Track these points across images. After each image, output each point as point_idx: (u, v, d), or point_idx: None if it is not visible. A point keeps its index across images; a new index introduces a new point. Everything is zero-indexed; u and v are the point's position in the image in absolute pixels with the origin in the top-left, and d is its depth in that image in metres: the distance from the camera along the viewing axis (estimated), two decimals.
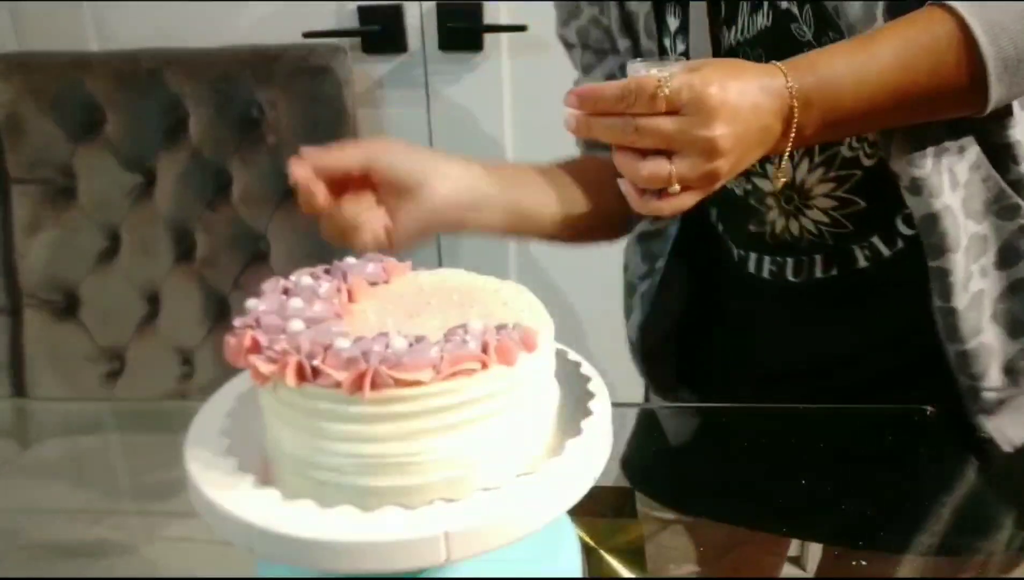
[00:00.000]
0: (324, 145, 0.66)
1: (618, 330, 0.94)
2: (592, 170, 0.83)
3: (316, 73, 1.39)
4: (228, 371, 0.51)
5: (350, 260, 0.57)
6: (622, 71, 0.68)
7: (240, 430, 0.50)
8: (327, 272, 0.54)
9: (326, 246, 0.68)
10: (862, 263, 0.76)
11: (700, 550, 0.81)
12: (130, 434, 0.96)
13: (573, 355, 0.58)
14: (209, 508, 0.45)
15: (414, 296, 0.54)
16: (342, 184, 0.66)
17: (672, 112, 0.57)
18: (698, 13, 0.76)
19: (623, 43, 0.81)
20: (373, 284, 0.55)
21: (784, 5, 0.70)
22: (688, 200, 0.60)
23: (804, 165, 0.73)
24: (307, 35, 1.45)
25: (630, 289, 0.90)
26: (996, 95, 0.62)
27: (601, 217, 0.84)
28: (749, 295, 0.84)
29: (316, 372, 0.43)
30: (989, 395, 0.70)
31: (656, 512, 0.84)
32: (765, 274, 0.81)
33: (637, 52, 0.81)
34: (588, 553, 0.59)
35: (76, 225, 1.48)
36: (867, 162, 0.72)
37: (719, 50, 0.75)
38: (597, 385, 0.54)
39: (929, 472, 0.75)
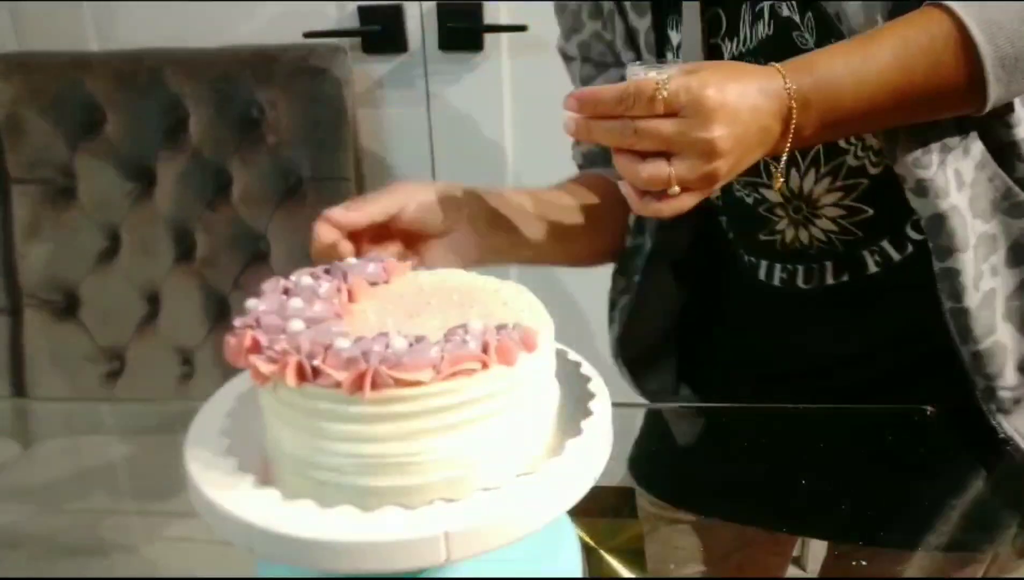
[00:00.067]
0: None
1: None
2: (598, 190, 0.84)
3: (316, 73, 1.39)
4: (228, 371, 0.51)
5: (350, 260, 0.57)
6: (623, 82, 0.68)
7: (240, 430, 0.50)
8: (327, 272, 0.54)
9: None
10: (872, 269, 0.76)
11: (705, 550, 0.81)
12: (130, 434, 0.96)
13: (573, 355, 0.58)
14: (209, 508, 0.45)
15: (414, 296, 0.54)
16: (364, 231, 0.67)
17: (671, 114, 0.57)
18: (695, 28, 0.76)
19: (627, 56, 0.81)
20: (373, 284, 0.55)
21: (785, 13, 0.70)
22: (688, 201, 0.60)
23: (811, 175, 0.73)
24: (307, 35, 1.44)
25: (612, 304, 0.90)
26: (994, 94, 0.62)
27: (611, 240, 0.85)
28: (756, 299, 0.84)
29: (316, 372, 0.43)
30: (1005, 394, 0.70)
31: (662, 512, 0.84)
32: (776, 282, 0.81)
33: None
34: (588, 553, 0.59)
35: (76, 225, 1.48)
36: (873, 170, 0.72)
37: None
38: (597, 385, 0.54)
39: (929, 472, 0.75)
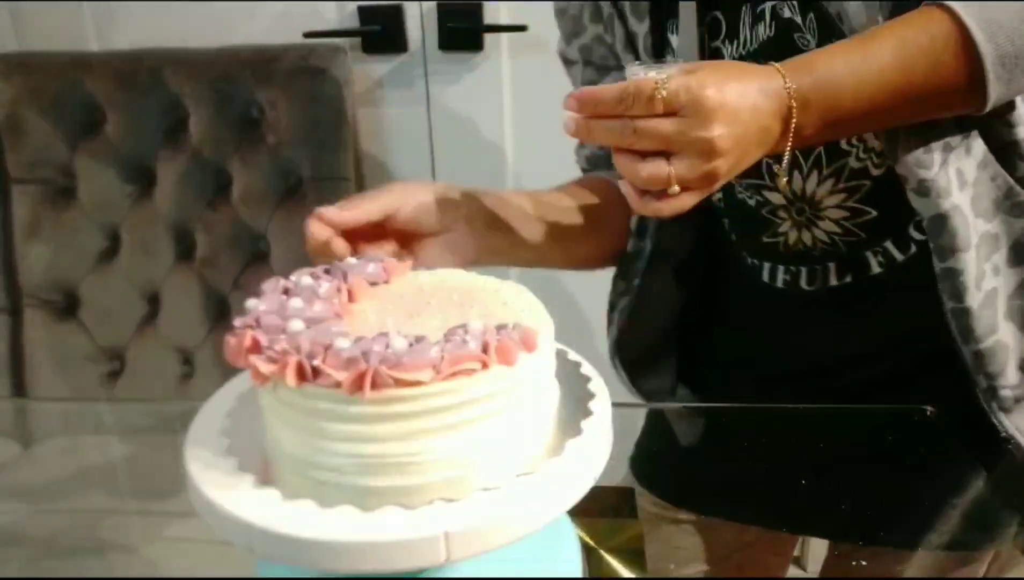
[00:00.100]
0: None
1: None
2: (600, 193, 0.84)
3: (316, 73, 1.39)
4: (228, 371, 0.51)
5: (350, 260, 0.57)
6: None
7: (240, 430, 0.50)
8: (327, 272, 0.54)
9: None
10: (876, 269, 0.76)
11: (706, 550, 0.82)
12: (130, 434, 0.96)
13: (573, 355, 0.58)
14: (209, 508, 0.45)
15: (414, 296, 0.54)
16: (359, 230, 0.67)
17: (670, 113, 0.57)
18: (691, 31, 0.76)
19: (627, 60, 0.81)
20: (373, 284, 0.55)
21: (787, 15, 0.70)
22: (688, 201, 0.60)
23: (813, 177, 0.73)
24: (307, 35, 1.44)
25: (611, 306, 0.91)
26: (995, 93, 0.62)
27: (611, 243, 0.86)
28: (758, 301, 0.84)
29: (316, 372, 0.43)
30: (1007, 393, 0.71)
31: (662, 511, 0.84)
32: (779, 283, 0.81)
33: None
34: (588, 553, 0.59)
35: (76, 225, 1.48)
36: (876, 172, 0.72)
37: None
38: (597, 385, 0.54)
39: (930, 472, 0.75)
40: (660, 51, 0.78)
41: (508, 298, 0.52)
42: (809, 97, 0.60)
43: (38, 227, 1.48)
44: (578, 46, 0.86)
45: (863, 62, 0.61)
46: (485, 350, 0.44)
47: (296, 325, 0.46)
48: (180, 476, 0.48)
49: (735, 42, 0.74)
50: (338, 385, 0.43)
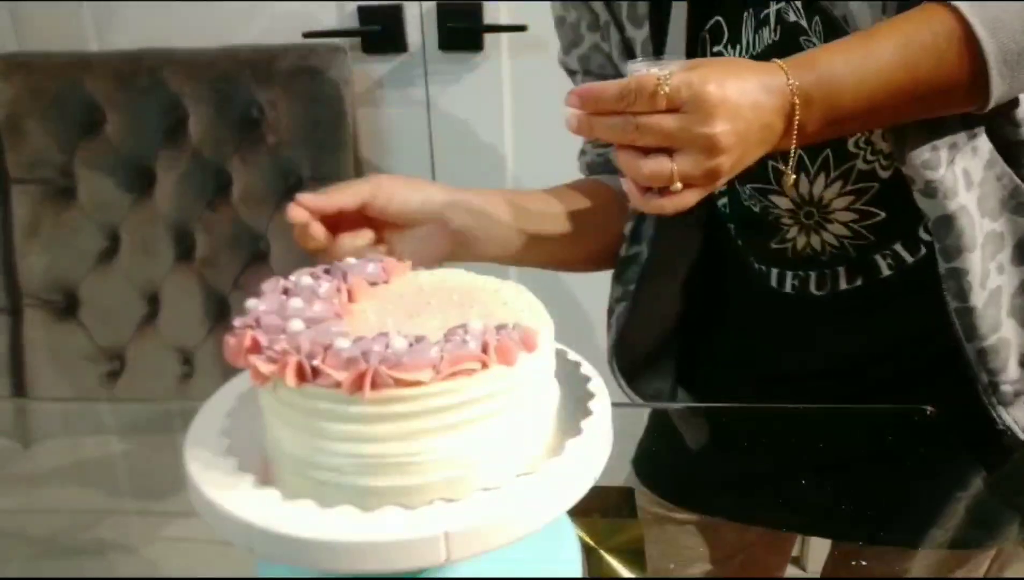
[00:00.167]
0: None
1: None
2: (596, 197, 0.84)
3: (316, 73, 1.39)
4: (228, 371, 0.51)
5: (350, 260, 0.57)
6: None
7: (240, 430, 0.50)
8: (327, 272, 0.54)
9: None
10: (886, 272, 0.76)
11: (706, 550, 0.82)
12: (130, 434, 0.96)
13: (573, 355, 0.58)
14: (209, 508, 0.45)
15: (414, 296, 0.54)
16: (341, 220, 0.68)
17: (672, 110, 0.57)
18: (680, 36, 0.76)
19: (625, 68, 0.81)
20: (373, 284, 0.55)
21: (792, 18, 0.70)
22: (690, 198, 0.60)
23: (821, 180, 0.73)
24: (307, 35, 1.44)
25: (610, 311, 0.91)
26: (997, 91, 0.62)
27: (601, 248, 0.85)
28: (765, 305, 0.84)
29: (316, 372, 0.43)
30: (1007, 388, 0.71)
31: (663, 511, 0.84)
32: (787, 289, 0.81)
33: None
34: (588, 553, 0.59)
35: (76, 225, 1.48)
36: (884, 174, 0.72)
37: None
38: (597, 385, 0.54)
39: (930, 471, 0.76)
40: (657, 57, 0.78)
41: (508, 298, 0.52)
42: (812, 94, 0.60)
43: (38, 227, 1.48)
44: (577, 56, 0.86)
45: (866, 59, 0.61)
46: (485, 350, 0.44)
47: (296, 325, 0.46)
48: (180, 476, 0.48)
49: (738, 46, 0.74)
50: (338, 385, 0.43)
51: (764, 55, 0.72)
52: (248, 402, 0.52)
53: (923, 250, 0.74)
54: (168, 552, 0.72)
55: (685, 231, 0.85)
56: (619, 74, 0.83)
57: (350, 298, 0.52)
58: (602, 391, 0.54)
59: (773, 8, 0.71)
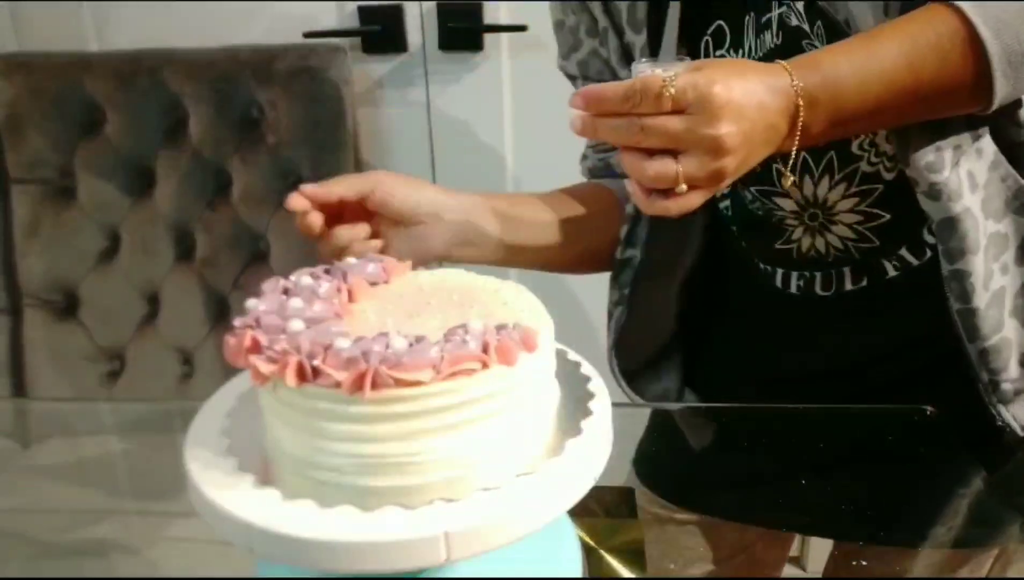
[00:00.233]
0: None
1: None
2: (594, 201, 0.84)
3: (316, 73, 1.39)
4: (228, 371, 0.51)
5: (350, 260, 0.57)
6: None
7: (240, 430, 0.50)
8: (327, 272, 0.54)
9: None
10: (891, 273, 0.76)
11: (706, 550, 0.82)
12: (130, 434, 0.96)
13: (573, 355, 0.58)
14: (209, 508, 0.45)
15: (414, 296, 0.54)
16: (340, 211, 0.71)
17: (677, 111, 0.57)
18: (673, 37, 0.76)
19: (623, 74, 0.81)
20: (373, 284, 0.55)
21: (794, 23, 0.70)
22: (695, 199, 0.60)
23: (825, 182, 0.73)
24: (307, 35, 1.44)
25: (608, 314, 0.91)
26: (1001, 91, 0.62)
27: (597, 253, 0.86)
28: (770, 305, 0.84)
29: (316, 372, 0.43)
30: (1007, 386, 0.71)
31: (663, 511, 0.84)
32: (792, 289, 0.81)
33: None
34: (588, 553, 0.59)
35: (76, 225, 1.48)
36: (888, 176, 0.72)
37: None
38: (597, 385, 0.54)
39: (931, 471, 0.76)
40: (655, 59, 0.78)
41: (508, 298, 0.52)
42: (816, 95, 0.60)
43: (38, 227, 1.48)
44: (576, 61, 0.86)
45: (870, 60, 0.61)
46: (485, 350, 0.44)
47: (296, 325, 0.46)
48: (180, 476, 0.48)
49: (740, 51, 0.74)
50: (338, 385, 0.43)
51: (766, 59, 0.71)
52: (248, 402, 0.52)
53: (928, 253, 0.74)
54: (168, 552, 0.72)
55: (681, 234, 0.85)
56: (617, 80, 0.83)
57: (350, 298, 0.52)
58: (602, 391, 0.54)
59: (775, 12, 0.71)
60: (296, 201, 0.68)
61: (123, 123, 1.45)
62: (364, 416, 0.43)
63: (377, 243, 0.72)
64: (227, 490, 0.45)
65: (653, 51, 0.77)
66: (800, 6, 0.69)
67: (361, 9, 1.46)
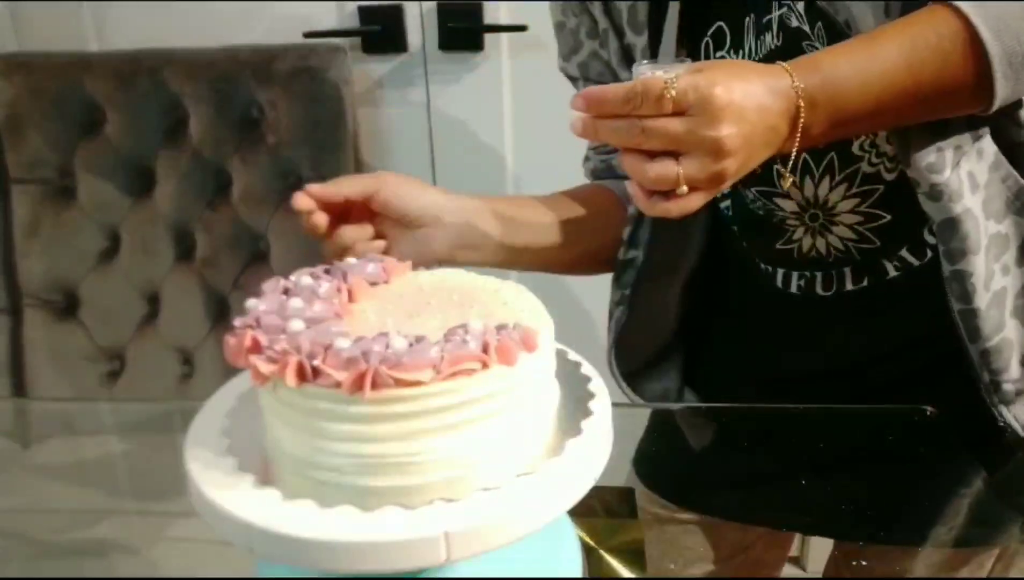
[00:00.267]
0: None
1: None
2: (596, 203, 0.84)
3: (316, 73, 1.39)
4: (228, 371, 0.51)
5: (350, 260, 0.57)
6: None
7: (240, 430, 0.50)
8: (327, 272, 0.54)
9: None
10: (892, 273, 0.76)
11: (706, 550, 0.82)
12: (130, 434, 0.96)
13: (573, 355, 0.58)
14: (209, 508, 0.45)
15: (414, 296, 0.54)
16: (345, 211, 0.71)
17: (678, 113, 0.57)
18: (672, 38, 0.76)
19: (624, 75, 0.81)
20: (373, 284, 0.55)
21: (794, 24, 0.70)
22: (696, 201, 0.60)
23: (826, 182, 0.73)
24: (307, 35, 1.44)
25: (610, 314, 0.91)
26: (1002, 92, 0.62)
27: (598, 254, 0.86)
28: (771, 305, 0.84)
29: (316, 372, 0.43)
30: (1009, 387, 0.71)
31: (663, 511, 0.84)
32: (793, 289, 0.81)
33: None
34: (588, 553, 0.59)
35: (76, 225, 1.48)
36: (888, 176, 0.72)
37: None
38: (597, 385, 0.54)
39: (932, 471, 0.76)
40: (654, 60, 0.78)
41: (508, 298, 0.52)
42: (816, 96, 0.60)
43: (38, 227, 1.48)
44: (576, 62, 0.86)
45: (870, 61, 0.61)
46: (485, 350, 0.44)
47: (296, 325, 0.46)
48: (180, 476, 0.48)
49: (740, 52, 0.74)
50: (338, 385, 0.43)
51: (766, 60, 0.71)
52: (248, 402, 0.52)
53: (929, 254, 0.74)
54: (168, 552, 0.72)
55: (683, 235, 0.85)
56: (618, 81, 0.83)
57: (350, 298, 0.52)
58: (602, 391, 0.54)
59: (775, 13, 0.71)
60: (302, 201, 0.68)
61: (123, 123, 1.45)
62: (364, 416, 0.43)
63: (381, 244, 0.72)
64: (227, 490, 0.45)
65: (654, 53, 0.77)
66: (800, 7, 0.69)
67: (361, 9, 1.46)
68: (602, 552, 0.61)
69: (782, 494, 0.78)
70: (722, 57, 0.75)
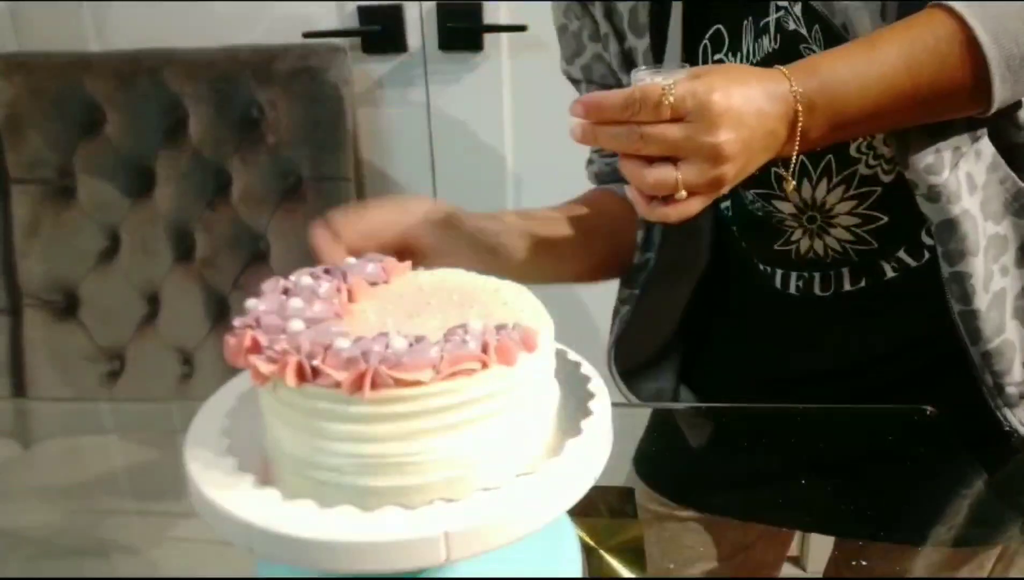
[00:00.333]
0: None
1: None
2: (607, 211, 0.84)
3: (316, 73, 1.39)
4: (228, 371, 0.51)
5: (350, 260, 0.57)
6: None
7: (240, 430, 0.50)
8: (327, 272, 0.54)
9: None
10: (890, 274, 0.76)
11: (706, 550, 0.82)
12: (130, 434, 0.96)
13: (573, 355, 0.58)
14: (209, 508, 0.45)
15: (414, 296, 0.54)
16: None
17: (677, 119, 0.57)
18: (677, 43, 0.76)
19: (625, 80, 0.81)
20: (373, 284, 0.55)
21: (791, 27, 0.70)
22: (695, 205, 0.60)
23: (823, 185, 0.73)
24: (307, 35, 1.45)
25: (615, 309, 0.91)
26: (1000, 95, 0.62)
27: (612, 261, 0.86)
28: (770, 305, 0.84)
29: (316, 372, 0.43)
30: (1012, 390, 0.71)
31: (663, 510, 0.84)
32: (792, 290, 0.81)
33: None
34: (588, 553, 0.59)
35: (76, 225, 1.48)
36: (886, 178, 0.72)
37: None
38: (597, 385, 0.54)
39: (932, 470, 0.76)
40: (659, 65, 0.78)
41: (508, 298, 0.52)
42: (815, 100, 0.60)
43: (38, 227, 1.48)
44: (580, 65, 0.86)
45: (868, 64, 0.61)
46: (485, 350, 0.44)
47: (296, 325, 0.46)
48: (180, 476, 0.48)
49: (738, 54, 0.74)
50: (338, 385, 0.43)
51: (764, 63, 0.72)
52: (248, 402, 0.52)
53: (927, 255, 0.74)
54: (168, 552, 0.72)
55: (692, 237, 0.85)
56: (621, 84, 0.83)
57: (350, 298, 0.52)
58: (602, 391, 0.54)
59: (773, 16, 0.71)
60: (321, 237, 0.64)
61: (123, 123, 1.45)
62: (364, 416, 0.43)
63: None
64: (227, 490, 0.45)
65: (656, 56, 0.77)
66: (797, 9, 0.69)
67: (361, 9, 1.46)
68: (602, 552, 0.61)
69: (782, 493, 0.78)
70: (720, 60, 0.75)
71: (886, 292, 0.76)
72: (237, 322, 0.48)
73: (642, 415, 0.91)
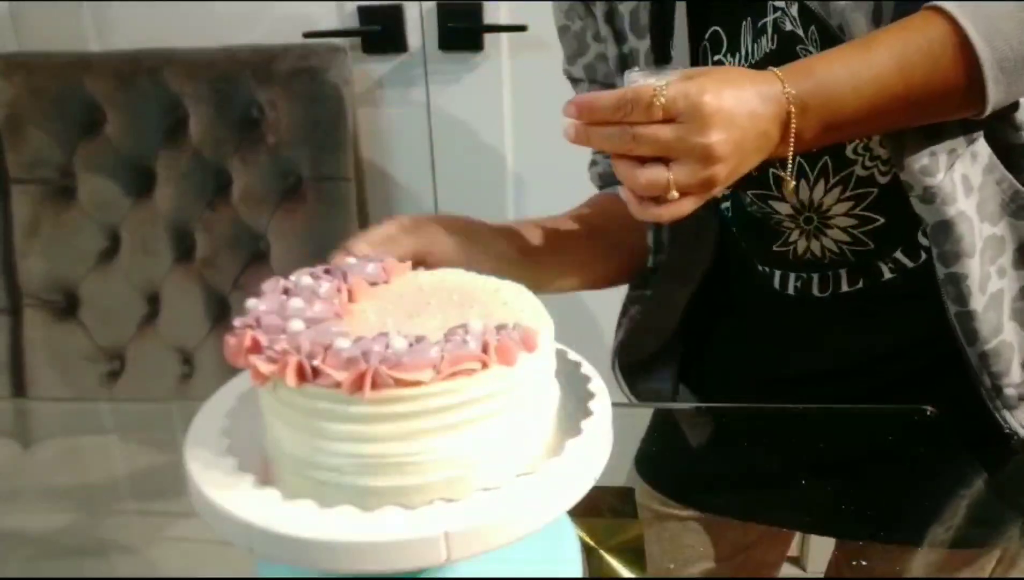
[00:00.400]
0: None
1: None
2: (615, 218, 0.84)
3: (316, 73, 1.39)
4: (228, 371, 0.51)
5: (350, 260, 0.57)
6: None
7: (240, 430, 0.50)
8: (327, 272, 0.54)
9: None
10: (888, 275, 0.76)
11: (706, 549, 0.82)
12: (130, 434, 0.96)
13: (573, 355, 0.58)
14: (209, 508, 0.45)
15: (414, 296, 0.54)
16: None
17: (669, 120, 0.57)
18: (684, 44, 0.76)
19: (620, 81, 0.81)
20: (373, 284, 0.55)
21: (788, 28, 0.70)
22: (687, 206, 0.60)
23: (820, 186, 0.73)
24: (307, 35, 1.45)
25: (624, 308, 0.91)
26: (994, 97, 0.62)
27: (623, 267, 0.86)
28: (769, 306, 0.84)
29: (316, 372, 0.43)
30: (1011, 391, 0.71)
31: (663, 510, 0.84)
32: (790, 290, 0.81)
33: None
34: (588, 553, 0.59)
35: (76, 225, 1.48)
36: (882, 180, 0.72)
37: None
38: (597, 385, 0.54)
39: (932, 471, 0.76)
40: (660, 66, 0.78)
41: (508, 298, 0.52)
42: (808, 102, 0.60)
43: (38, 227, 1.48)
44: (582, 65, 0.86)
45: (862, 66, 0.61)
46: (485, 350, 0.44)
47: (296, 325, 0.46)
48: (180, 476, 0.48)
49: (737, 55, 0.74)
50: (338, 385, 0.43)
51: (762, 64, 0.72)
52: (248, 402, 0.52)
53: (924, 256, 0.74)
54: (168, 552, 0.72)
55: (698, 237, 0.85)
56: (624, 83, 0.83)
57: (350, 298, 0.52)
58: (602, 391, 0.54)
59: (770, 17, 0.71)
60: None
61: (123, 123, 1.45)
62: (364, 416, 0.43)
63: None
64: (227, 490, 0.45)
65: (656, 57, 0.77)
66: (794, 10, 0.69)
67: (361, 9, 1.46)
68: (602, 552, 0.61)
69: (782, 494, 0.78)
70: (719, 61, 0.75)
71: (884, 293, 0.76)
72: (237, 322, 0.48)
73: (643, 415, 0.91)
